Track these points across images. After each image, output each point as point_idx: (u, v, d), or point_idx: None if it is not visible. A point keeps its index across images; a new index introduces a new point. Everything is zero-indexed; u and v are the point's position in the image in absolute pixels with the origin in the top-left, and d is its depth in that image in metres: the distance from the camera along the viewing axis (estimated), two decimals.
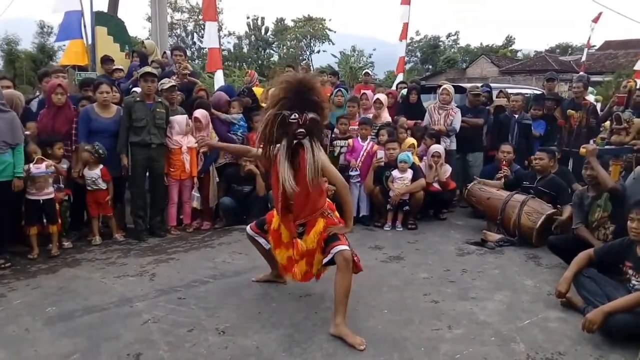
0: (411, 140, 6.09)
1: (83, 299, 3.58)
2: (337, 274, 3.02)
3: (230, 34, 38.80)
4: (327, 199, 3.25)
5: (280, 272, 3.69)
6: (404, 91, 7.45)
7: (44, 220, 4.54)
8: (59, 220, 4.62)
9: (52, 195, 4.53)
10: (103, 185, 4.94)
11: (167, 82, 5.53)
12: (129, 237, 5.17)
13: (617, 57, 26.83)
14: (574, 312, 3.37)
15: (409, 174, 5.64)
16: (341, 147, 5.92)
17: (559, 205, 5.02)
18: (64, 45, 8.30)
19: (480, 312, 3.41)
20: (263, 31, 38.89)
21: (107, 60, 7.18)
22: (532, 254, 4.72)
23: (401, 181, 5.60)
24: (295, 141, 2.93)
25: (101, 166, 4.93)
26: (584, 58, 17.28)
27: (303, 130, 2.90)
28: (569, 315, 3.35)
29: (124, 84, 6.54)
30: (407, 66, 30.09)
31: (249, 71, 8.22)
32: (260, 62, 36.20)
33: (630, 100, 6.45)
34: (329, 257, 3.04)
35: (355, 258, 3.12)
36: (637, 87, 6.84)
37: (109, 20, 8.37)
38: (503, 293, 3.77)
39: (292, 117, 2.88)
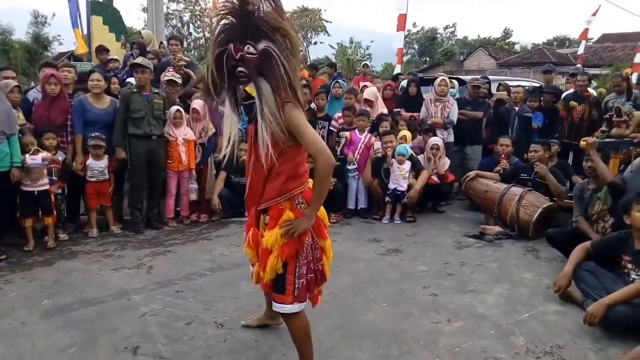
0: (404, 132, 6.05)
1: (80, 292, 3.55)
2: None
3: None
4: (307, 187, 2.35)
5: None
6: (404, 83, 7.40)
7: (39, 212, 4.50)
8: (54, 212, 4.58)
9: (47, 187, 4.48)
10: (108, 176, 4.96)
11: (169, 76, 5.47)
12: (125, 230, 5.13)
13: (615, 50, 26.82)
14: (572, 306, 3.37)
15: (407, 165, 5.63)
16: (344, 138, 5.91)
17: (555, 199, 5.04)
18: (59, 35, 8.26)
19: (479, 305, 3.41)
20: None
21: (102, 50, 7.09)
22: (531, 247, 4.72)
23: (399, 172, 5.58)
24: (240, 85, 2.12)
25: (107, 156, 4.92)
26: (581, 50, 17.27)
27: (244, 70, 2.05)
28: (568, 309, 3.35)
29: (119, 74, 6.47)
30: (405, 58, 29.99)
31: None
32: None
33: (630, 90, 6.45)
34: (275, 308, 2.38)
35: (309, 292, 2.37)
36: (631, 78, 6.87)
37: (105, 10, 8.29)
38: (502, 286, 3.76)
39: (220, 50, 2.07)
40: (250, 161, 2.35)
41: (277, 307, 2.35)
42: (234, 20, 2.07)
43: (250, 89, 2.11)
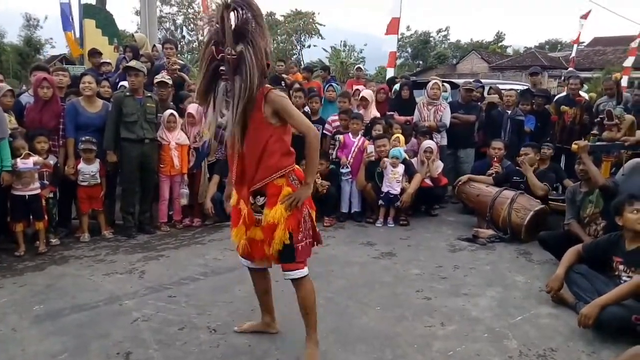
0: (397, 134, 6.07)
1: (71, 297, 3.52)
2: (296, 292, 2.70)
3: None
4: (297, 167, 2.64)
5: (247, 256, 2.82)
6: (397, 86, 7.43)
7: (30, 217, 4.46)
8: (46, 217, 4.54)
9: (38, 191, 4.44)
10: (99, 180, 4.93)
11: (159, 77, 5.48)
12: (117, 234, 5.10)
13: (606, 54, 27.08)
14: (565, 308, 3.39)
15: (401, 168, 5.64)
16: (338, 142, 5.91)
17: (554, 192, 5.09)
18: (52, 38, 8.27)
19: (473, 309, 3.41)
20: None
21: (94, 53, 7.08)
22: (523, 250, 4.74)
23: (392, 175, 5.59)
24: (223, 82, 2.41)
25: (98, 160, 4.90)
26: (573, 54, 17.43)
27: (224, 68, 2.36)
28: (561, 312, 3.37)
29: (111, 77, 6.45)
30: (398, 62, 30.09)
31: None
32: None
33: (620, 93, 6.52)
34: (289, 276, 2.62)
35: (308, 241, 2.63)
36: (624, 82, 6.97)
37: (97, 13, 8.28)
38: (495, 289, 3.77)
39: (207, 50, 2.40)
40: (233, 146, 2.53)
41: (292, 274, 2.60)
42: (218, 25, 2.34)
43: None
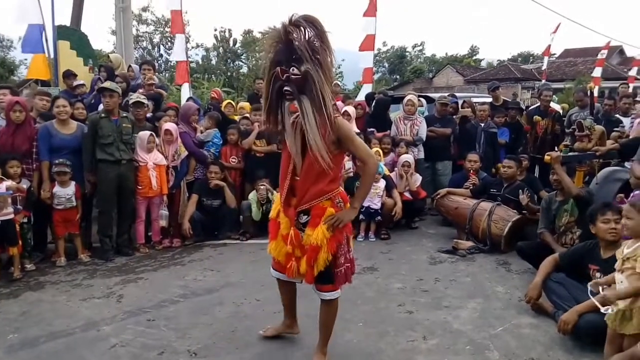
0: (375, 148, 6.13)
1: (47, 324, 3.43)
2: (322, 308, 2.81)
3: (198, 46, 38.41)
4: (341, 189, 2.69)
5: (281, 287, 3.04)
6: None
7: (4, 242, 4.35)
8: (20, 242, 4.43)
9: (11, 216, 4.33)
10: (75, 203, 4.84)
11: (135, 97, 5.44)
12: (94, 257, 5.00)
13: (577, 65, 27.89)
14: (545, 318, 3.43)
15: (382, 183, 5.68)
16: None
17: (524, 212, 5.16)
18: (26, 59, 8.14)
19: (454, 321, 3.43)
20: (231, 43, 38.68)
21: (69, 75, 7.00)
22: (503, 260, 4.79)
23: (374, 190, 5.61)
24: (287, 102, 2.44)
25: (73, 183, 4.81)
26: (544, 66, 17.94)
27: (289, 88, 2.38)
28: (540, 321, 3.40)
29: (86, 98, 6.38)
30: (376, 76, 30.43)
31: (214, 90, 8.49)
32: (229, 73, 35.91)
33: (593, 104, 6.73)
34: (323, 297, 2.73)
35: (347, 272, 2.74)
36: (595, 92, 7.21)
37: (72, 34, 8.20)
38: (475, 300, 3.80)
39: (272, 72, 2.42)
40: (288, 167, 2.61)
41: (327, 295, 2.69)
42: (281, 45, 2.37)
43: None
